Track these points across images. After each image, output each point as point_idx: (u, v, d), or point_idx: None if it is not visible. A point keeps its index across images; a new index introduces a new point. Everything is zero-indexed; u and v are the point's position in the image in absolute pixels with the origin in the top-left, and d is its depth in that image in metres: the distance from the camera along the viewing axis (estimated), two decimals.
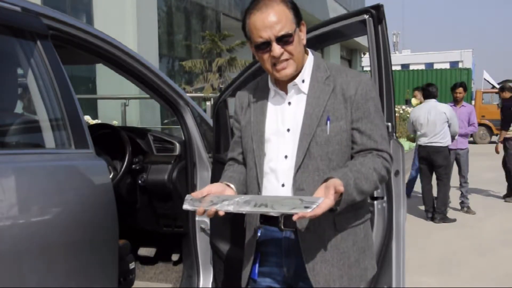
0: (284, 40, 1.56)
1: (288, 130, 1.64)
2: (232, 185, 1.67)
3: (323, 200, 1.41)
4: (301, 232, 1.61)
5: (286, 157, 1.63)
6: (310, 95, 1.63)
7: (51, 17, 1.93)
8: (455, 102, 6.71)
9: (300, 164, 1.60)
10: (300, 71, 1.65)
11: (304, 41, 1.66)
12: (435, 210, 6.25)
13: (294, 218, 1.40)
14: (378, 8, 2.04)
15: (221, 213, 1.47)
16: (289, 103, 1.67)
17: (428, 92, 6.29)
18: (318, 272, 1.61)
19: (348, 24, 2.15)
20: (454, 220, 6.20)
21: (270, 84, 1.70)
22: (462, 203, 6.72)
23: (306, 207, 1.36)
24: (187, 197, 1.54)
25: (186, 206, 1.51)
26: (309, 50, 1.72)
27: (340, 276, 1.62)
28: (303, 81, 1.65)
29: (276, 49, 1.56)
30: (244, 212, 1.42)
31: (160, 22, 11.83)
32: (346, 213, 1.58)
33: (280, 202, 1.44)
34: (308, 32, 2.27)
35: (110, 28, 7.29)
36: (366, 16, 2.08)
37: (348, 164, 1.58)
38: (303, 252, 1.62)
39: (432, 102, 6.23)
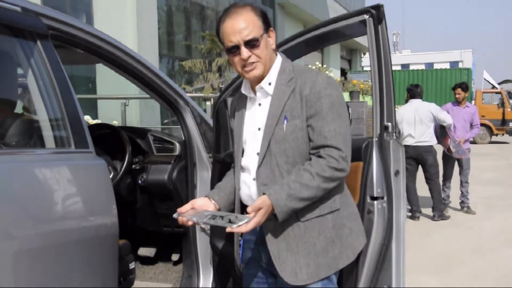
0: (251, 44, 1.70)
1: (259, 129, 1.78)
2: (213, 199, 1.85)
3: (249, 219, 1.57)
4: (264, 223, 1.69)
5: (258, 154, 1.77)
6: (274, 97, 1.76)
7: (51, 17, 1.93)
8: (458, 102, 6.67)
9: (262, 160, 1.75)
10: (267, 74, 1.77)
11: (273, 46, 1.79)
12: (433, 209, 6.27)
13: (227, 230, 1.58)
14: (378, 8, 2.05)
15: (189, 223, 1.70)
16: (259, 104, 1.81)
17: (414, 92, 6.30)
18: (284, 260, 1.72)
19: (348, 24, 2.15)
20: (449, 216, 6.30)
21: (242, 89, 1.86)
22: (462, 203, 6.72)
23: (232, 223, 1.57)
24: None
25: (174, 215, 1.77)
26: (278, 53, 1.84)
27: (307, 264, 1.71)
28: (269, 83, 1.78)
29: (244, 52, 1.70)
30: (201, 224, 1.68)
31: (160, 22, 11.85)
32: (310, 205, 1.69)
33: (221, 219, 1.64)
34: (308, 32, 2.29)
35: (110, 28, 7.30)
36: (366, 16, 2.08)
37: (292, 173, 1.69)
38: (267, 241, 1.73)
39: (418, 101, 6.24)
